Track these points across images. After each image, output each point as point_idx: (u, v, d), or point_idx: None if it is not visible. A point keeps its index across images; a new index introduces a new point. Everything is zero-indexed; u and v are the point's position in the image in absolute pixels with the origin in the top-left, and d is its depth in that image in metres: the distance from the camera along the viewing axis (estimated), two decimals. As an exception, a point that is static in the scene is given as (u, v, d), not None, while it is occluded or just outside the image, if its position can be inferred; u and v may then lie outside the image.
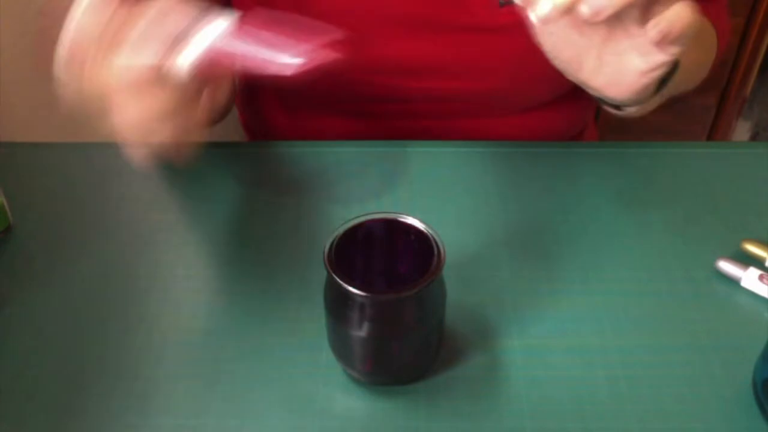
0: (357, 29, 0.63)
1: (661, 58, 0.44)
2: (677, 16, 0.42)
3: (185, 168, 0.62)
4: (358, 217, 0.44)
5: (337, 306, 0.42)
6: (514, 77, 0.66)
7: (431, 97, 0.68)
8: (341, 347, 0.45)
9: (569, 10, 0.40)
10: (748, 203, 0.59)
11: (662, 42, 0.43)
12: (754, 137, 1.58)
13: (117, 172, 0.63)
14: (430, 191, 0.60)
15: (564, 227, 0.57)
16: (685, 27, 0.43)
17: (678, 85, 0.56)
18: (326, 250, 0.42)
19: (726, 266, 0.52)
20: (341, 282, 0.40)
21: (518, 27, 0.63)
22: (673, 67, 0.54)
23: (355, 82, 0.67)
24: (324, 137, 0.75)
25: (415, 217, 0.44)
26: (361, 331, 0.42)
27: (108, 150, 0.66)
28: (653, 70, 0.45)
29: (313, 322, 0.49)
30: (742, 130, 1.57)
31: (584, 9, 0.40)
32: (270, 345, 0.48)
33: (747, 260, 0.53)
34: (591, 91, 0.50)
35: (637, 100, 0.49)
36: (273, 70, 0.40)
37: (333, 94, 0.69)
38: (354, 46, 0.63)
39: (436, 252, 0.42)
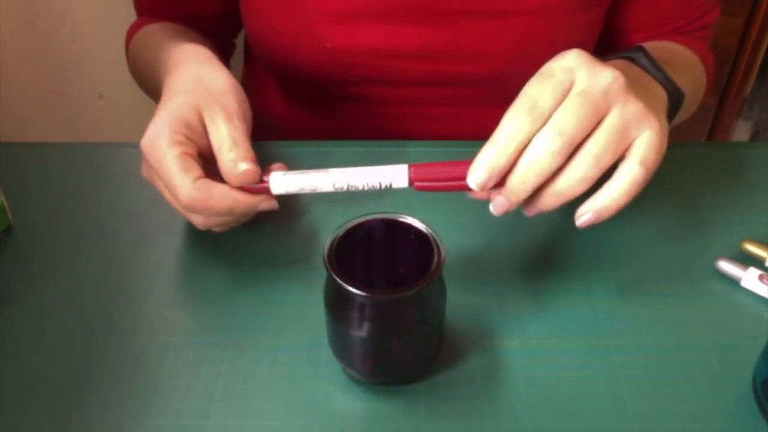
0: (358, 16, 0.64)
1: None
2: (611, 200, 0.43)
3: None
4: (358, 217, 0.44)
5: (337, 306, 0.42)
6: (514, 62, 0.66)
7: (433, 81, 0.68)
8: (341, 347, 0.45)
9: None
10: (748, 203, 0.59)
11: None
12: (754, 137, 1.58)
13: (117, 172, 0.63)
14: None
15: (564, 227, 0.57)
16: (621, 208, 0.44)
17: (680, 116, 0.56)
18: (326, 250, 0.42)
19: (726, 266, 0.52)
20: (341, 282, 0.40)
21: (518, 12, 0.63)
22: (681, 97, 0.55)
23: (357, 66, 0.67)
24: (328, 127, 0.75)
25: (415, 217, 0.44)
26: (361, 331, 0.42)
27: (108, 150, 0.66)
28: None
29: (313, 322, 0.49)
30: (742, 130, 1.57)
31: (491, 208, 0.45)
32: (270, 345, 0.48)
33: (747, 260, 0.53)
34: None
35: None
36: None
37: (338, 80, 0.69)
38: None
39: (436, 252, 0.42)
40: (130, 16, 0.76)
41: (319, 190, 0.46)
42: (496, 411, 0.44)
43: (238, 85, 0.51)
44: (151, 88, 0.67)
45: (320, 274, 0.43)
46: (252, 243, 0.56)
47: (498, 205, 0.44)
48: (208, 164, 0.49)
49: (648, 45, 0.66)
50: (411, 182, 0.45)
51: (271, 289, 0.52)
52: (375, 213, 0.45)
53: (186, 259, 0.55)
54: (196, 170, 0.46)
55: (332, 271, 0.41)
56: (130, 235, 0.57)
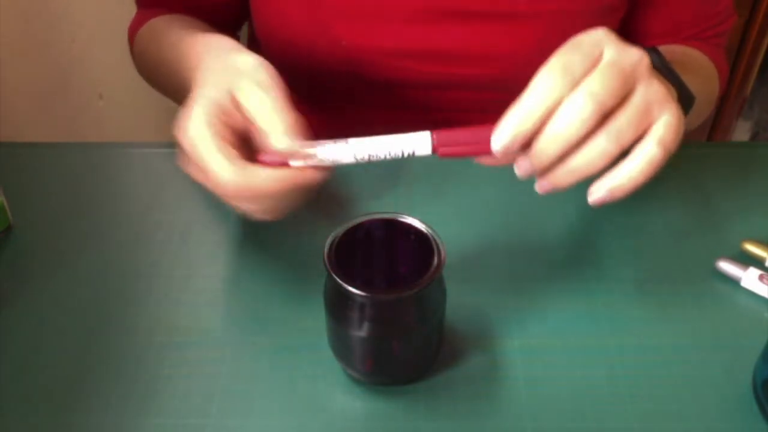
0: (375, 14, 0.64)
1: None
2: (627, 179, 0.42)
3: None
4: (358, 217, 0.44)
5: (337, 306, 0.42)
6: (528, 66, 0.66)
7: (446, 84, 0.68)
8: (341, 347, 0.45)
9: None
10: (748, 203, 0.59)
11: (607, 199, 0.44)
12: (754, 137, 1.58)
13: (117, 172, 0.63)
14: (430, 191, 0.60)
15: (564, 227, 0.57)
16: (636, 187, 0.43)
17: (691, 120, 0.56)
18: (326, 250, 0.42)
19: (726, 266, 0.52)
20: (341, 282, 0.40)
21: (534, 15, 0.63)
22: (691, 101, 0.55)
23: (370, 65, 0.67)
24: (337, 130, 0.75)
25: (415, 217, 0.44)
26: (361, 331, 0.42)
27: (108, 150, 0.66)
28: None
29: (313, 322, 0.49)
30: (742, 130, 1.57)
31: (516, 170, 0.43)
32: (270, 345, 0.48)
33: (747, 260, 0.53)
34: None
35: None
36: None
37: (350, 80, 0.69)
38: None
39: (436, 252, 0.42)
40: (131, 15, 0.76)
41: (339, 162, 0.44)
42: (496, 411, 0.44)
43: (266, 62, 0.49)
44: (170, 87, 0.65)
45: (320, 274, 0.43)
46: (252, 243, 0.56)
47: (522, 167, 0.43)
48: (247, 144, 0.47)
49: (662, 48, 0.66)
50: (434, 149, 0.44)
51: (271, 289, 0.52)
52: (375, 213, 0.45)
53: (186, 259, 0.55)
54: (237, 156, 0.44)
55: (332, 271, 0.41)
56: (130, 236, 0.57)
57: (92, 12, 1.18)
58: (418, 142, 0.44)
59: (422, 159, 0.63)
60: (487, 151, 0.43)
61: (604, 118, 0.41)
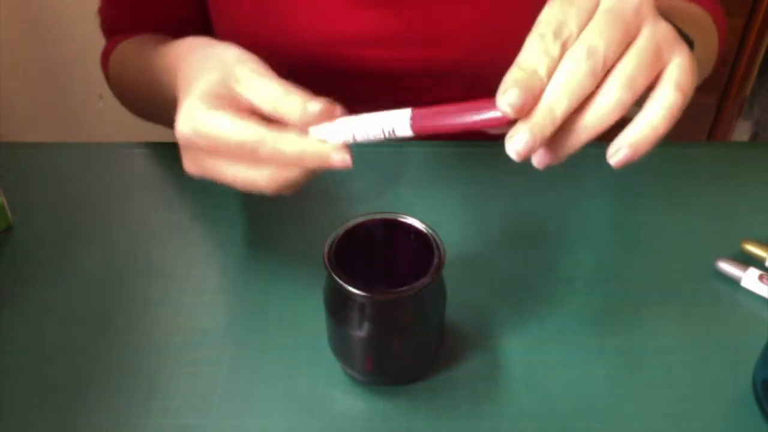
0: (317, 3, 0.63)
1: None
2: (650, 129, 0.38)
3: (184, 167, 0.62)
4: (358, 217, 0.44)
5: (337, 306, 0.42)
6: (490, 41, 0.64)
7: (415, 71, 0.66)
8: (341, 347, 0.45)
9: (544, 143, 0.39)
10: (748, 203, 0.59)
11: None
12: (754, 137, 1.58)
13: (117, 172, 0.63)
14: (430, 191, 0.60)
15: (564, 227, 0.57)
16: (658, 138, 0.39)
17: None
18: (326, 250, 0.42)
19: (726, 266, 0.52)
20: (341, 282, 0.40)
21: None
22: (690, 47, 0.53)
23: (331, 60, 0.65)
24: None
25: (415, 217, 0.44)
26: (361, 331, 0.42)
27: (108, 150, 0.66)
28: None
29: (313, 322, 0.49)
30: (742, 130, 1.57)
31: (510, 150, 0.38)
32: (270, 345, 0.48)
33: (747, 260, 0.53)
34: None
35: None
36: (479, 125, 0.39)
37: (320, 79, 0.67)
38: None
39: (436, 252, 0.42)
40: (131, 16, 0.76)
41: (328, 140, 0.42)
42: (496, 411, 0.44)
43: (247, 51, 0.47)
44: (152, 104, 0.62)
45: (320, 274, 0.43)
46: (252, 243, 0.56)
47: (519, 141, 0.37)
48: None
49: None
50: (414, 126, 0.40)
51: (271, 289, 0.52)
52: (375, 213, 0.45)
53: (186, 259, 0.55)
54: (256, 117, 0.42)
55: (332, 271, 0.41)
56: (131, 235, 0.57)
57: (92, 12, 1.18)
58: (397, 120, 0.41)
59: (421, 159, 0.64)
60: (471, 125, 0.39)
61: (607, 71, 0.38)
